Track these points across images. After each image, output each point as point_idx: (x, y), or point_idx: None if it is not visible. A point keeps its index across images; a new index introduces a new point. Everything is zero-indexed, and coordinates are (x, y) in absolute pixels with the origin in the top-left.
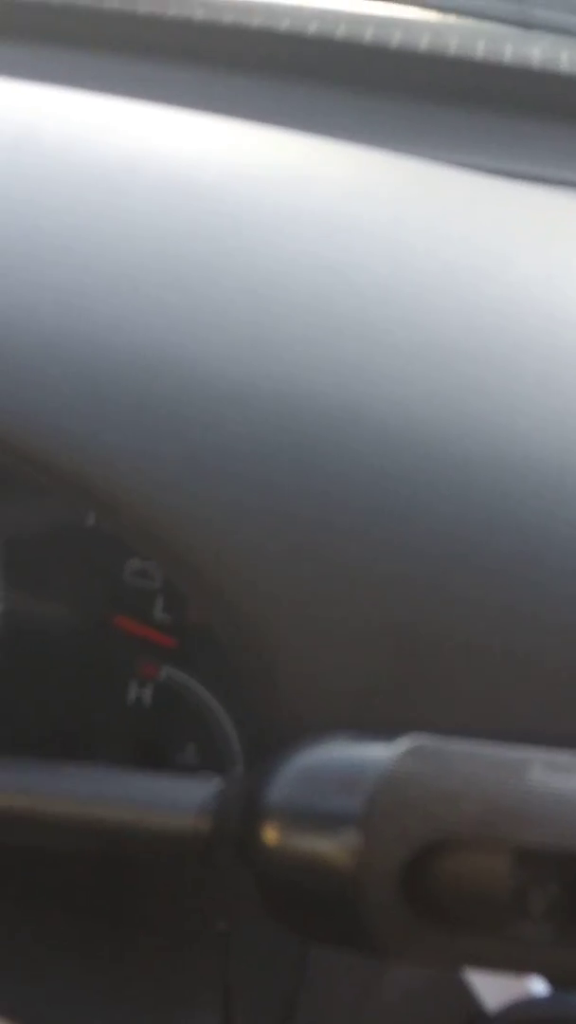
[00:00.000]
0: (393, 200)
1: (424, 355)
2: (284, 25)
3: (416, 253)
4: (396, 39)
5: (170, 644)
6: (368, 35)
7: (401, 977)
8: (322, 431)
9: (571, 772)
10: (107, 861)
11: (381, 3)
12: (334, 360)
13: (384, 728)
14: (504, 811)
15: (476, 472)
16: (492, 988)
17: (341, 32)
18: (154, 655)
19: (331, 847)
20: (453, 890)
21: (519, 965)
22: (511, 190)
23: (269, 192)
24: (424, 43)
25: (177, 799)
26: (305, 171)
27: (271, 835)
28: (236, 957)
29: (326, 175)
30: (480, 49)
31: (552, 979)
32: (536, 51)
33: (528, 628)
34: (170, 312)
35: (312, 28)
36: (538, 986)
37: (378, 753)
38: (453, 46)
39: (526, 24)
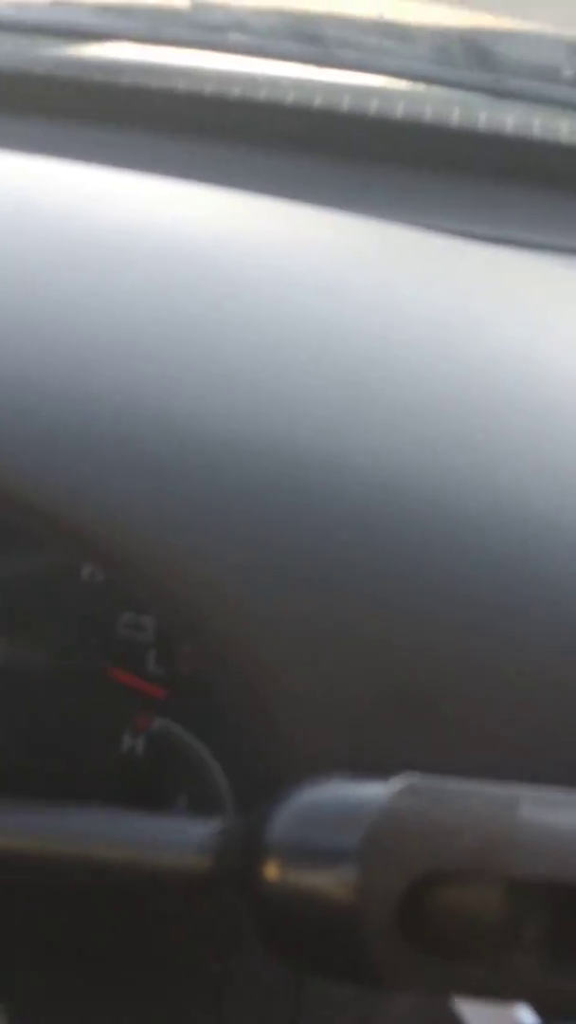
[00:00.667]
0: (378, 264)
1: (414, 412)
2: (262, 95)
3: (403, 315)
4: (373, 107)
5: (162, 696)
6: (345, 104)
7: (393, 1013)
8: (316, 487)
9: (559, 807)
10: (101, 903)
11: (358, 73)
12: (329, 418)
13: (380, 770)
14: (496, 844)
15: (467, 524)
16: (482, 1020)
17: (319, 102)
18: (147, 706)
19: (331, 881)
20: (448, 921)
21: (512, 994)
22: (490, 254)
23: (262, 258)
24: (399, 111)
25: (178, 838)
26: (293, 237)
27: (272, 871)
28: (231, 997)
29: (312, 241)
30: (455, 117)
31: (543, 1008)
32: (510, 119)
33: (515, 678)
34: (168, 372)
35: (290, 98)
36: (527, 1017)
37: (374, 791)
38: (428, 114)
39: (499, 93)
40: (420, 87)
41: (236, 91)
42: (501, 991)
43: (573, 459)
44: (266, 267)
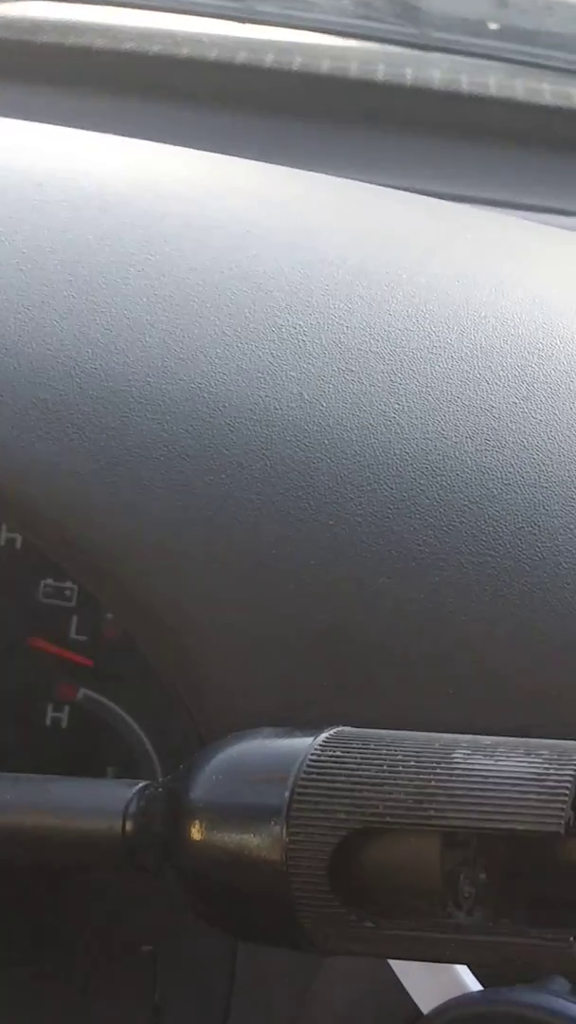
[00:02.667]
0: (300, 213)
1: (335, 356)
2: (184, 52)
3: (324, 262)
4: (296, 63)
5: (87, 664)
6: (269, 60)
7: (337, 985)
8: (236, 436)
9: (495, 754)
10: (32, 879)
11: (283, 29)
12: (246, 364)
13: (307, 723)
14: (430, 794)
15: (391, 470)
16: (426, 989)
17: (241, 58)
18: (71, 676)
19: (257, 840)
20: (381, 878)
21: (451, 954)
22: (417, 203)
23: (179, 205)
24: (325, 67)
25: (99, 803)
26: (212, 185)
27: (196, 832)
28: (166, 975)
29: (232, 190)
30: (381, 72)
31: (480, 965)
32: (436, 73)
33: (446, 626)
34: (78, 322)
35: (212, 55)
36: (470, 980)
37: (300, 744)
38: (354, 69)
39: (425, 47)
40: (345, 42)
41: (156, 48)
42: (439, 951)
43: (500, 402)
44: (184, 213)
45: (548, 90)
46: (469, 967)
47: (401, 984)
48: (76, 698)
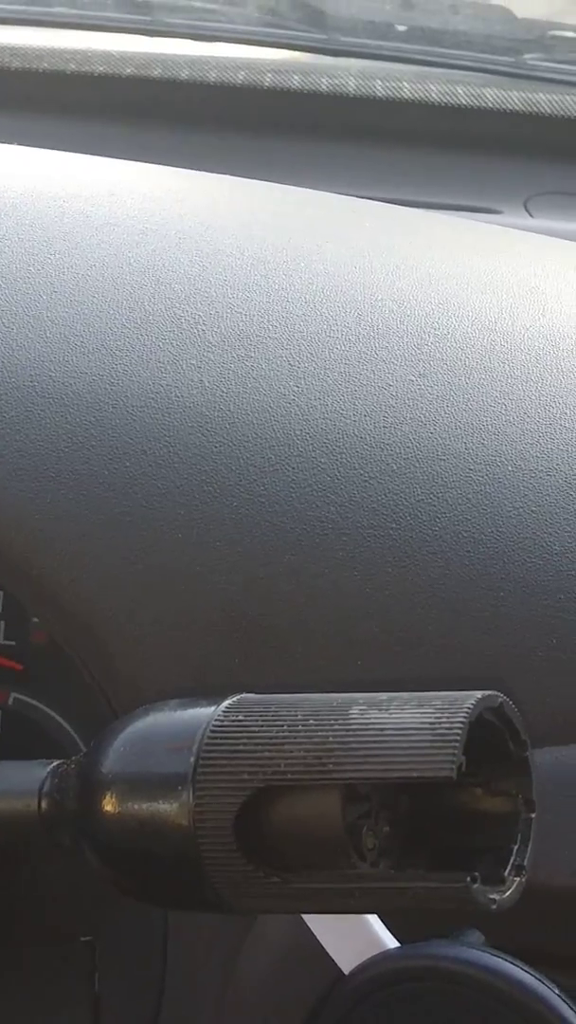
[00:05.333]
0: (200, 208)
1: (234, 343)
2: (99, 71)
3: (222, 254)
4: (212, 76)
5: (16, 668)
6: (184, 74)
7: (262, 954)
8: (139, 424)
9: (390, 708)
10: None
11: (198, 43)
12: (146, 354)
13: (210, 692)
14: (328, 749)
15: (292, 450)
16: (346, 950)
17: (156, 73)
18: (1, 681)
19: (165, 806)
20: (287, 835)
21: (352, 902)
22: (310, 196)
23: (77, 205)
24: (240, 78)
25: (14, 784)
26: (112, 187)
27: (107, 804)
28: (104, 964)
29: (134, 191)
30: (295, 81)
31: (385, 912)
32: (351, 82)
33: (351, 598)
34: None
35: (128, 71)
36: (385, 936)
37: (204, 712)
38: (268, 80)
39: (334, 52)
40: (256, 51)
41: (71, 67)
42: (345, 901)
43: (397, 380)
44: (81, 213)
45: (462, 92)
46: (383, 920)
47: (324, 948)
48: (7, 703)
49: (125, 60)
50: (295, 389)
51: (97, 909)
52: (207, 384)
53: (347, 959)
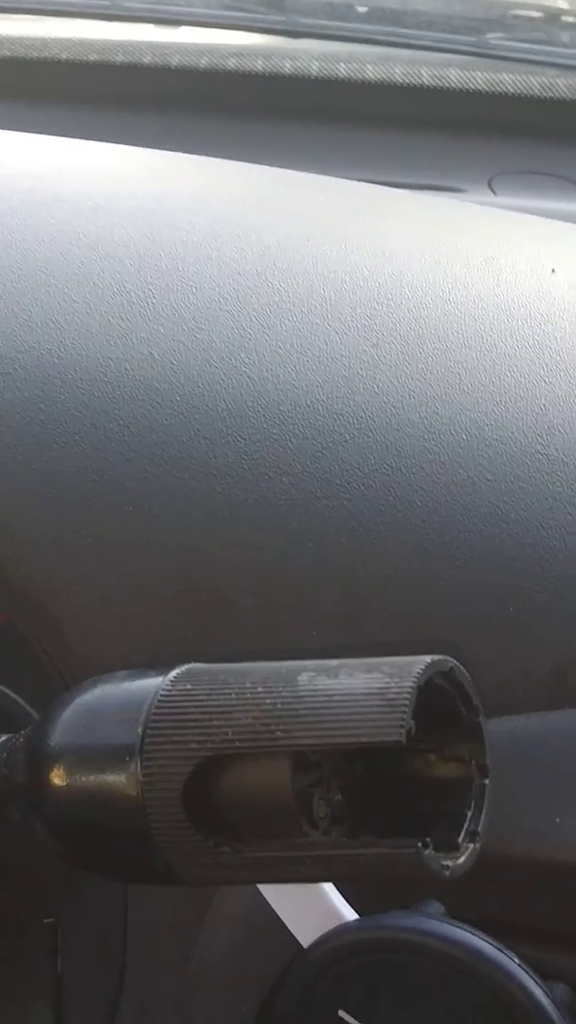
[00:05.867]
0: (151, 184)
1: (185, 316)
2: (61, 56)
3: (174, 228)
4: (175, 61)
5: None
6: (147, 59)
7: (222, 928)
8: (88, 398)
9: (339, 674)
10: None
11: (160, 28)
12: (95, 328)
13: (159, 663)
14: (276, 716)
15: (244, 422)
16: (305, 923)
17: (119, 59)
18: None
19: (113, 778)
20: (237, 804)
21: (304, 870)
22: (266, 172)
23: (25, 182)
24: (203, 62)
25: None
26: (61, 165)
27: (56, 777)
28: (66, 945)
29: (85, 168)
30: (259, 64)
31: (338, 880)
32: (314, 64)
33: (304, 570)
34: None
35: (91, 57)
36: (348, 914)
37: (152, 683)
38: (231, 64)
39: (294, 34)
40: (219, 34)
41: (32, 53)
42: (296, 870)
43: (350, 351)
44: (29, 190)
45: (426, 73)
46: (341, 892)
47: (283, 922)
48: None
49: (87, 46)
50: (246, 361)
51: (58, 889)
52: (157, 357)
53: (306, 932)
